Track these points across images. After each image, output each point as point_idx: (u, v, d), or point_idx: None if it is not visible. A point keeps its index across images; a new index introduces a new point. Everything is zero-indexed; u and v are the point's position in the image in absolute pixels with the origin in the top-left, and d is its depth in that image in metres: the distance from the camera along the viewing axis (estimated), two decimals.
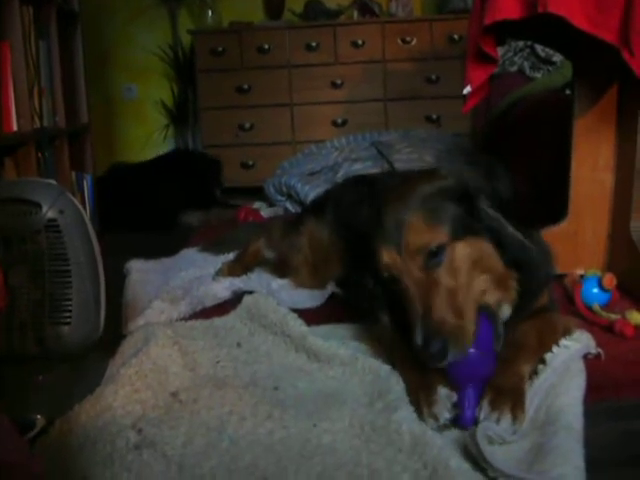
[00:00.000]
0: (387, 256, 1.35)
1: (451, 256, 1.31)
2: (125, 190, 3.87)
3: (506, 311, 1.38)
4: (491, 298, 1.34)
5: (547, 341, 1.43)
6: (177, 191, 3.92)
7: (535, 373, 1.36)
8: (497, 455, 1.10)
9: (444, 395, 1.28)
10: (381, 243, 1.37)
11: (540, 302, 1.50)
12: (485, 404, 1.23)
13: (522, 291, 1.38)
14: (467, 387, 1.26)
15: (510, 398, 1.24)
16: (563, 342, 1.43)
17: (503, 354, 1.34)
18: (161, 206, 3.81)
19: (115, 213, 3.68)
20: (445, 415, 1.26)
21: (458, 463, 1.10)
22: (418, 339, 1.25)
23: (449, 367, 1.26)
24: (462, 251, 1.32)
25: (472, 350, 1.25)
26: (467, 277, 1.32)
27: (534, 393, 1.29)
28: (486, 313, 1.31)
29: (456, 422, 1.26)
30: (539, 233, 1.52)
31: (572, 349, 1.42)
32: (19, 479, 0.79)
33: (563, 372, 1.36)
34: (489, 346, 1.29)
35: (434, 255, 1.31)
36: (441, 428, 1.26)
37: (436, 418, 1.26)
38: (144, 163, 4.23)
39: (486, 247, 1.34)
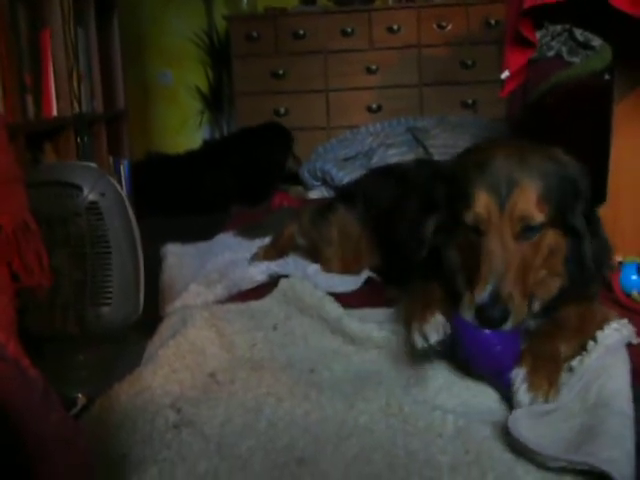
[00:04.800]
0: (485, 205, 1.29)
1: (542, 239, 1.31)
2: (171, 179, 3.76)
3: (536, 307, 1.38)
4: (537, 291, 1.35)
5: (586, 328, 1.42)
6: (227, 180, 3.73)
7: (585, 350, 1.35)
8: (544, 439, 1.09)
9: (439, 320, 1.32)
10: (483, 190, 1.29)
11: (588, 292, 1.50)
12: (522, 374, 1.23)
13: (562, 291, 1.38)
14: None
15: (546, 371, 1.24)
16: (614, 325, 1.41)
17: (543, 329, 1.35)
18: (208, 199, 3.67)
19: (158, 200, 3.61)
20: (434, 336, 1.30)
21: (501, 453, 1.10)
22: (484, 297, 1.24)
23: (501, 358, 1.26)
24: (551, 240, 1.32)
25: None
26: (541, 263, 1.32)
27: (584, 370, 1.29)
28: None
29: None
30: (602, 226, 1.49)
31: (623, 333, 1.41)
32: (67, 453, 0.82)
33: (615, 353, 1.35)
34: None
35: (530, 230, 1.29)
36: (429, 352, 1.32)
37: (425, 337, 1.30)
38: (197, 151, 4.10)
39: (563, 246, 1.35)
